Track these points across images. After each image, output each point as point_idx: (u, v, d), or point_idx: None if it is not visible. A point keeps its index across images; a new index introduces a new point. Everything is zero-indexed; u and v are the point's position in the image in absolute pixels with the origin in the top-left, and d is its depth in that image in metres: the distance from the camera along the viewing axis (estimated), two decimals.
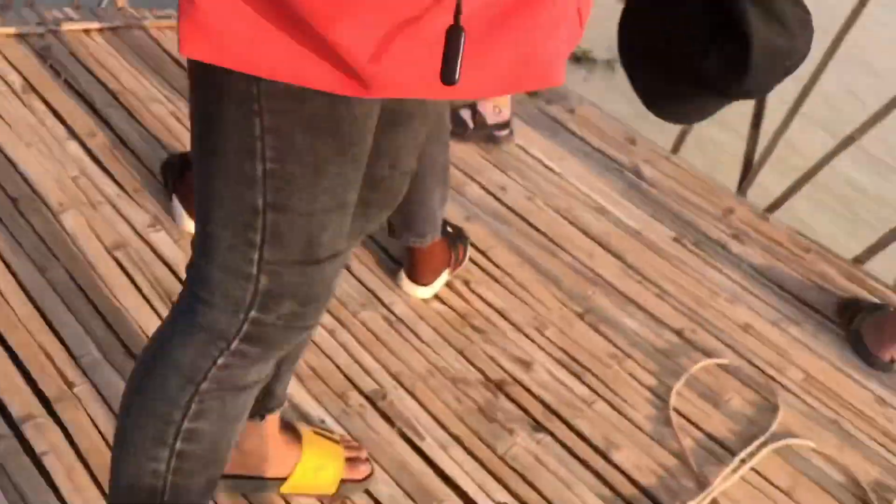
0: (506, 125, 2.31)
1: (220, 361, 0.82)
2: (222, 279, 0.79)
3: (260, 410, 1.14)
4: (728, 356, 1.80)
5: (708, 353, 1.79)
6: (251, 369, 0.85)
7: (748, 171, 2.53)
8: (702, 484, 1.47)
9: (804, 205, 3.17)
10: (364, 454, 1.30)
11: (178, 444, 0.84)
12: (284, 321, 0.81)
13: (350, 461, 1.27)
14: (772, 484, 1.53)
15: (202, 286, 0.80)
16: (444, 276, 1.70)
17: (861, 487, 1.58)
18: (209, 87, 0.73)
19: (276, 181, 0.74)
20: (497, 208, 2.06)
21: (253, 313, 0.80)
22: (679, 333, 1.84)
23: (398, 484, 1.31)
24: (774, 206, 2.51)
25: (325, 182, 0.75)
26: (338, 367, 1.48)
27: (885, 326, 1.94)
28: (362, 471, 1.27)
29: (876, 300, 2.09)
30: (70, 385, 1.28)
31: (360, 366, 1.50)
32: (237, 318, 0.80)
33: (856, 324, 1.98)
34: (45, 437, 1.20)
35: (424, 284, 1.65)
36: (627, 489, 1.43)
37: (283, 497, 1.23)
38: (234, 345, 0.81)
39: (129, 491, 0.88)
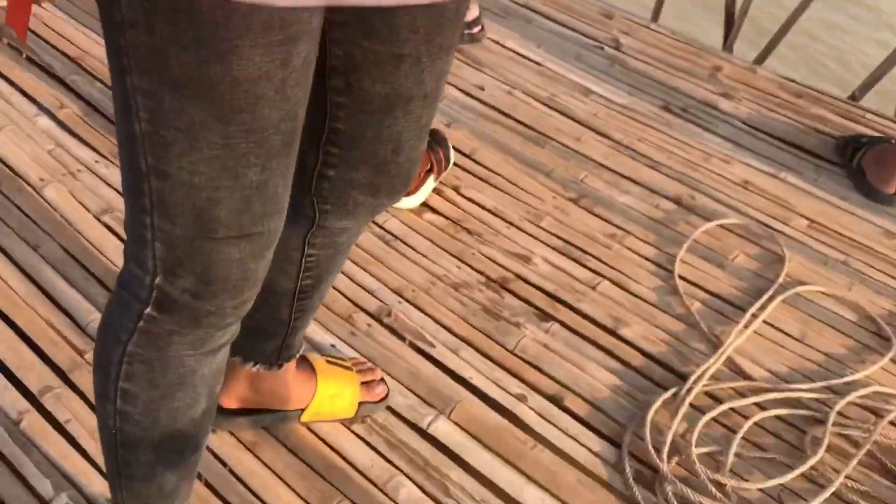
0: (476, 22, 2.25)
1: (140, 324, 0.81)
2: (130, 240, 0.79)
3: (277, 360, 1.16)
4: (729, 216, 1.79)
5: (708, 217, 1.78)
6: (172, 341, 0.82)
7: (731, 26, 2.46)
8: (714, 344, 1.48)
9: (791, 56, 3.09)
10: (378, 375, 1.32)
11: (119, 403, 0.85)
12: (192, 297, 0.78)
13: (365, 385, 1.29)
14: (784, 333, 1.54)
15: (126, 244, 0.81)
16: (430, 183, 1.69)
17: (874, 321, 1.59)
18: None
19: (152, 144, 0.70)
20: (477, 108, 2.03)
21: (158, 280, 0.78)
22: (677, 201, 1.82)
23: (414, 393, 1.33)
24: (762, 58, 2.45)
25: (206, 152, 0.69)
26: (339, 291, 1.49)
27: (887, 159, 1.91)
28: (378, 392, 1.30)
29: (876, 134, 2.06)
30: (80, 353, 1.31)
31: (362, 287, 1.51)
32: (145, 283, 0.79)
33: (857, 160, 1.95)
34: (65, 406, 1.23)
35: (409, 193, 1.65)
36: (639, 360, 1.45)
37: (306, 426, 1.26)
38: (149, 310, 0.80)
39: (103, 440, 0.92)
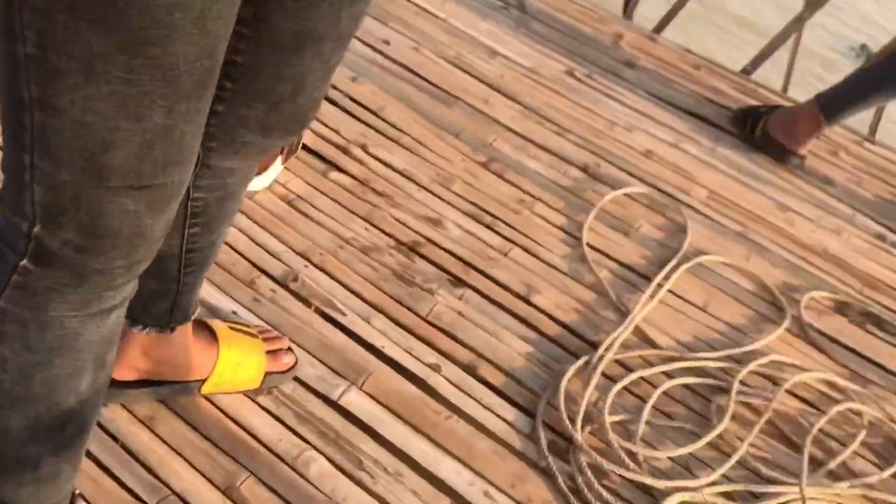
0: None
1: (14, 278, 0.71)
2: (6, 180, 0.69)
3: (169, 323, 1.06)
4: (634, 185, 1.80)
5: (613, 185, 1.78)
6: (51, 299, 0.73)
7: None
8: (623, 313, 1.49)
9: (689, 25, 3.15)
10: (285, 343, 1.24)
11: None
12: (75, 252, 0.69)
13: (271, 354, 1.21)
14: (689, 302, 1.57)
15: (2, 185, 0.70)
16: (279, 165, 1.54)
17: (770, 291, 1.64)
18: None
19: (38, 71, 0.60)
20: (384, 63, 1.95)
21: (36, 229, 0.68)
22: (584, 169, 1.82)
23: (324, 363, 1.27)
24: (661, 27, 2.48)
25: (103, 86, 0.60)
26: (240, 253, 1.40)
27: (798, 121, 1.96)
28: (286, 362, 1.22)
29: (770, 104, 2.12)
30: None
31: (264, 249, 1.42)
32: (22, 231, 0.69)
33: (760, 129, 2.00)
34: None
35: (258, 173, 1.49)
36: (552, 328, 1.43)
37: (207, 398, 1.17)
38: (25, 262, 0.70)
39: None
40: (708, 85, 2.21)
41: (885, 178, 2.08)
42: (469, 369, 1.33)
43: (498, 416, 1.28)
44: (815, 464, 1.32)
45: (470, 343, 1.36)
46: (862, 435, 1.37)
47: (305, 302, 1.36)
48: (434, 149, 1.74)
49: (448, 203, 1.62)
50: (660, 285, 1.57)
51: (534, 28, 2.24)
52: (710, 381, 1.41)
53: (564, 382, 1.32)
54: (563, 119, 1.94)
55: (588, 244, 1.62)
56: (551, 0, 2.36)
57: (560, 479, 1.20)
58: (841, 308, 1.66)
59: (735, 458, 1.27)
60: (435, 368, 1.31)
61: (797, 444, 1.33)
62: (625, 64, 2.20)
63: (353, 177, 1.62)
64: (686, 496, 1.21)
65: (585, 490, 1.19)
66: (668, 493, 1.20)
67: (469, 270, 1.50)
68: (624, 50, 2.25)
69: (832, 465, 1.32)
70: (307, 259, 1.43)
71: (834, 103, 1.92)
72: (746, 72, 2.38)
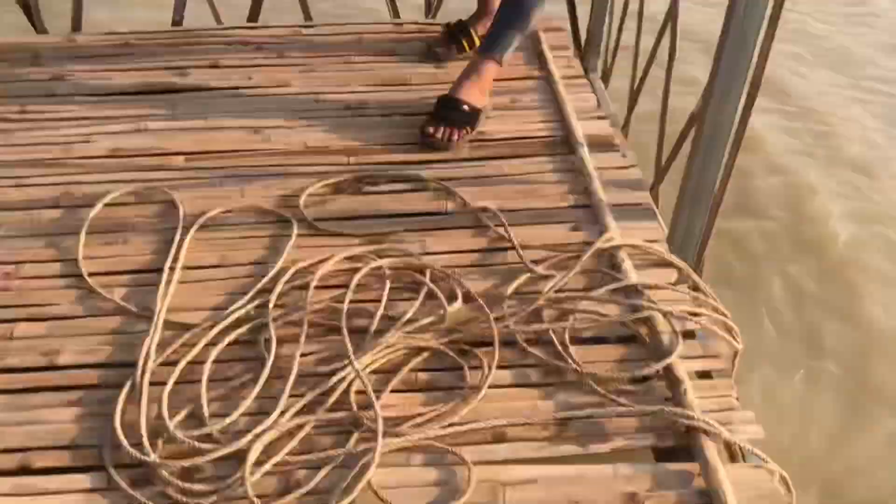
0: None
1: None
2: None
3: None
4: (113, 190, 1.77)
5: (91, 202, 1.74)
6: None
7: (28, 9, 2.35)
8: (148, 318, 1.49)
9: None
10: None
11: None
12: None
13: None
14: (206, 267, 1.61)
15: None
16: None
17: (271, 212, 1.73)
18: None
19: None
20: None
21: None
22: (56, 205, 1.75)
23: None
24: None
25: None
26: None
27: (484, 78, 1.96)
28: None
29: None
30: None
31: None
32: None
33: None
34: None
35: None
36: (88, 376, 1.40)
37: None
38: None
39: None
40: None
41: None
42: (22, 471, 1.27)
43: (74, 491, 1.24)
44: (362, 333, 1.46)
45: (10, 446, 1.30)
46: (387, 286, 1.53)
47: None
48: None
49: None
50: (171, 269, 1.59)
51: None
52: (251, 324, 1.48)
53: (118, 416, 1.31)
54: (12, 170, 1.84)
55: (90, 274, 1.58)
56: None
57: None
58: (337, 188, 1.80)
59: (291, 377, 1.36)
60: None
61: (339, 327, 1.45)
62: (53, 80, 2.11)
63: None
64: (268, 437, 1.28)
65: (181, 497, 1.22)
66: (249, 447, 1.26)
67: None
68: (47, 67, 2.15)
69: (374, 324, 1.46)
70: None
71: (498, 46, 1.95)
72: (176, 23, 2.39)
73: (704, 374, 1.45)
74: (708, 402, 1.37)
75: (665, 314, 1.49)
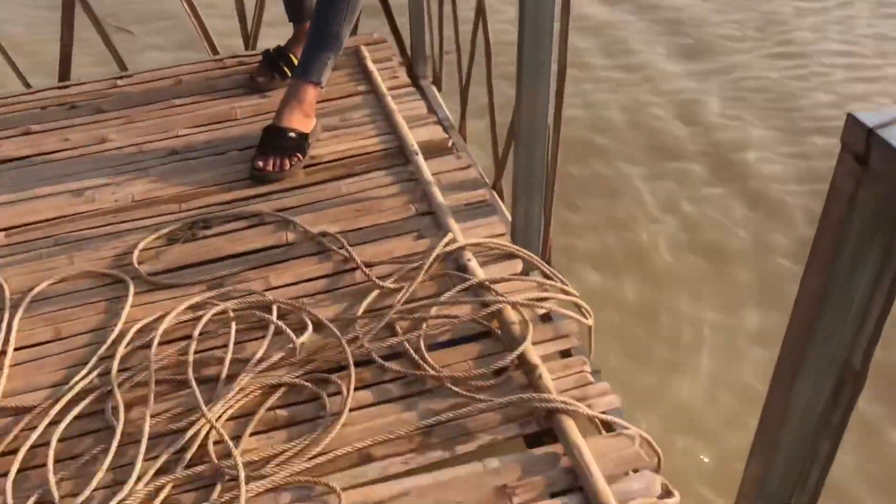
0: None
1: None
2: None
3: None
4: None
5: None
6: None
7: None
8: None
9: None
10: None
11: None
12: None
13: None
14: (43, 343, 1.53)
15: None
16: None
17: (98, 275, 1.66)
18: None
19: None
20: None
21: None
22: None
23: None
24: None
25: None
26: None
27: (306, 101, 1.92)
28: None
29: None
30: None
31: None
32: None
33: None
34: None
35: None
36: None
37: None
38: None
39: None
40: None
41: None
42: None
43: None
44: (214, 382, 1.41)
45: None
46: (234, 329, 1.49)
47: None
48: None
49: None
50: (3, 353, 1.50)
51: None
52: (95, 394, 1.41)
53: None
54: None
55: None
56: None
57: None
58: (170, 238, 1.74)
59: (144, 440, 1.30)
60: None
61: (187, 380, 1.40)
62: None
63: None
64: None
65: None
66: None
67: None
68: None
69: (224, 370, 1.42)
70: None
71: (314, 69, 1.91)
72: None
73: (566, 354, 1.48)
74: (564, 382, 1.40)
75: (513, 304, 1.51)
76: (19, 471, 1.29)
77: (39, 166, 1.97)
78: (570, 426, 1.30)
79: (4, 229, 1.79)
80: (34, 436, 1.34)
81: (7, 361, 1.48)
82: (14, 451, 1.32)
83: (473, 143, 2.40)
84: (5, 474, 1.28)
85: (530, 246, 1.73)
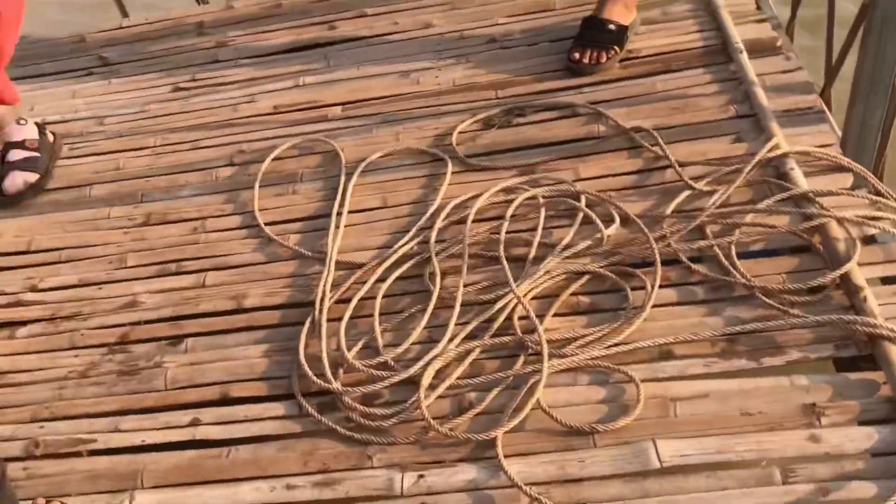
0: None
1: None
2: None
3: None
4: (279, 145, 1.88)
5: (262, 158, 1.86)
6: None
7: None
8: (323, 259, 1.58)
9: None
10: None
11: None
12: None
13: None
14: (369, 210, 1.69)
15: None
16: None
17: (425, 152, 1.77)
18: None
19: None
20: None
21: None
22: (230, 163, 1.88)
23: (97, 492, 1.31)
24: None
25: None
26: None
27: None
28: None
29: None
30: None
31: None
32: None
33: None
34: None
35: None
36: (273, 316, 1.52)
37: None
38: None
39: None
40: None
41: None
42: (224, 402, 1.40)
43: (268, 418, 1.36)
44: (521, 262, 1.48)
45: (212, 380, 1.43)
46: (543, 214, 1.54)
47: (58, 457, 1.38)
48: (93, 241, 1.76)
49: (132, 280, 1.66)
50: (339, 213, 1.67)
51: (123, 71, 2.25)
52: (415, 260, 1.54)
53: (301, 350, 1.41)
54: (190, 133, 1.99)
55: (265, 224, 1.70)
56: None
57: (339, 428, 1.30)
58: (486, 122, 1.81)
59: (457, 307, 1.40)
60: (195, 423, 1.38)
61: (498, 256, 1.48)
62: (217, 47, 2.25)
63: (39, 320, 1.63)
64: (438, 363, 1.34)
65: (363, 420, 1.30)
66: (422, 372, 1.32)
67: (180, 323, 1.55)
68: (210, 36, 2.29)
69: (532, 252, 1.48)
70: (38, 420, 1.45)
71: None
72: None
73: (890, 280, 1.37)
74: (890, 309, 1.29)
75: (840, 220, 1.40)
76: (351, 318, 1.46)
77: (371, 48, 2.12)
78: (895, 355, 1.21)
79: (342, 104, 1.96)
80: (363, 290, 1.50)
81: (343, 221, 1.65)
82: (347, 301, 1.49)
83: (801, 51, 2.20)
84: (340, 318, 1.45)
85: (862, 159, 1.58)
